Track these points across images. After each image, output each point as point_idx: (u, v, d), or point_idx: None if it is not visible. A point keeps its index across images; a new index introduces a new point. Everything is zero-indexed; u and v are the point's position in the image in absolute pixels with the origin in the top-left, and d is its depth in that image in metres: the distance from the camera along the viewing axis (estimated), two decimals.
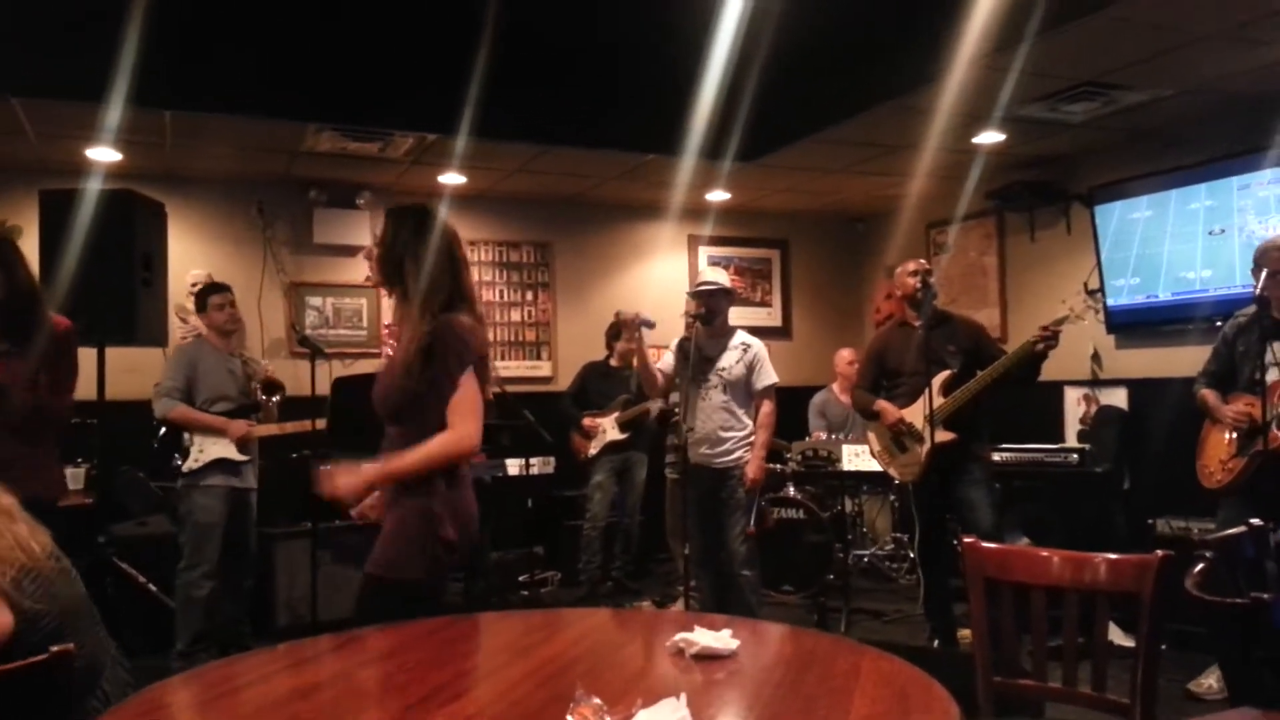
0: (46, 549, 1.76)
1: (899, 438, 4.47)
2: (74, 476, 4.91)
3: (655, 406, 5.70)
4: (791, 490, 5.80)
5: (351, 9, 4.63)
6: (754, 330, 4.65)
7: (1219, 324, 4.20)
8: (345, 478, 2.40)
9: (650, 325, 4.34)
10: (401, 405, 2.46)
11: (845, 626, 5.13)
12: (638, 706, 1.45)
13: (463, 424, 2.38)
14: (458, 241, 2.58)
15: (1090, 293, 5.63)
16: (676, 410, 4.52)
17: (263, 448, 4.81)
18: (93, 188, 4.47)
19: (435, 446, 2.38)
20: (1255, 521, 2.46)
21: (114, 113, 4.66)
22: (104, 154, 5.55)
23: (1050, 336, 4.08)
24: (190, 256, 6.10)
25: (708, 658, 1.82)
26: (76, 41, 4.43)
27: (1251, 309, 3.91)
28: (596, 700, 1.46)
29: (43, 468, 3.15)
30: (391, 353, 7.44)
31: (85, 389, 3.95)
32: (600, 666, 1.88)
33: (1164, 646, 4.13)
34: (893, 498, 6.51)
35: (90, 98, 4.51)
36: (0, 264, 3.06)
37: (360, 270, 6.69)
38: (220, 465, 4.54)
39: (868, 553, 6.49)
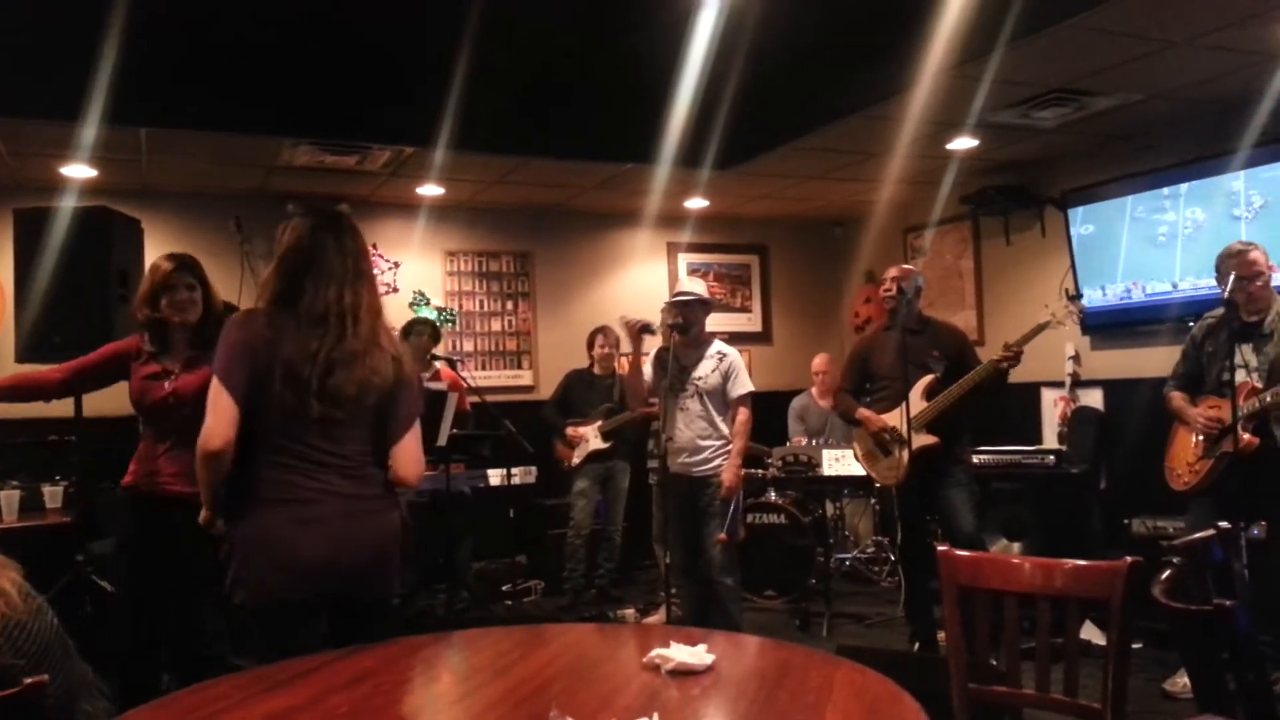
0: (20, 588, 1.69)
1: (882, 441, 4.51)
2: (52, 494, 4.87)
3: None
4: (772, 495, 5.83)
5: (326, 23, 4.63)
6: (734, 336, 4.67)
7: (1191, 324, 4.26)
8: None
9: (652, 331, 4.32)
10: None
11: (827, 631, 5.16)
12: None
13: (203, 425, 2.26)
14: (328, 249, 2.43)
15: (1071, 298, 5.68)
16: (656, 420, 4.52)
17: None
18: (68, 205, 4.45)
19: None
20: (1224, 525, 2.49)
21: (89, 130, 4.63)
22: (79, 171, 5.52)
23: (1013, 357, 4.23)
24: None
25: (683, 674, 1.84)
26: (49, 60, 4.41)
27: (1220, 311, 3.97)
28: None
29: None
30: None
31: (63, 406, 3.94)
32: (577, 684, 1.90)
33: (1140, 645, 4.21)
34: (874, 501, 6.54)
35: (64, 117, 4.49)
36: (200, 281, 3.27)
37: None
38: None
39: (849, 556, 6.53)
